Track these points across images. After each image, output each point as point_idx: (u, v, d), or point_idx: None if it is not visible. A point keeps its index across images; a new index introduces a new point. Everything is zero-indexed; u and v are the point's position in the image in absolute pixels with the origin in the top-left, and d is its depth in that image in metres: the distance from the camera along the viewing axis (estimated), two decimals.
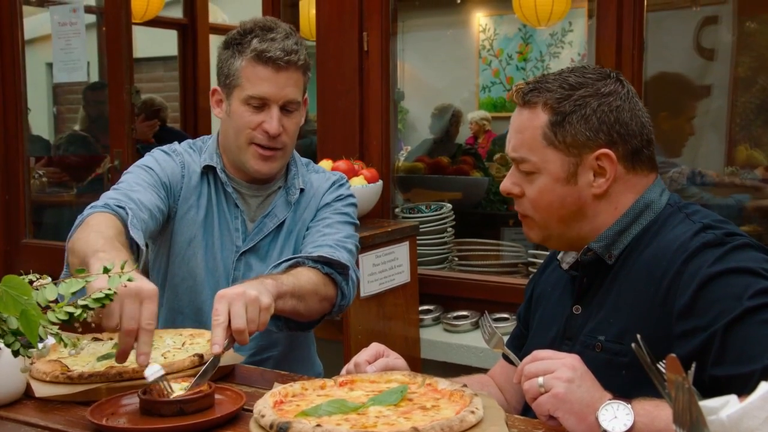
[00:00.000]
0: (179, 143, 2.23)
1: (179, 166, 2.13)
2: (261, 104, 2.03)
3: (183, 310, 2.15)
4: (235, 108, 2.06)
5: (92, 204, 1.92)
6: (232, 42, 2.07)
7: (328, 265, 2.01)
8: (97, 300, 1.50)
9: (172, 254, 2.14)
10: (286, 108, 2.06)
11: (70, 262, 1.80)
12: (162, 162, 2.12)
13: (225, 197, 2.15)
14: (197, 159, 2.17)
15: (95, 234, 1.73)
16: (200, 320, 2.11)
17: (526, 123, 1.61)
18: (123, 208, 1.88)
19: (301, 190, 2.18)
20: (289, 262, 1.99)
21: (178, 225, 2.13)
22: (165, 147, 2.20)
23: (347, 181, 2.30)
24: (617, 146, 1.58)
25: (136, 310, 1.50)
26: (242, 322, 1.63)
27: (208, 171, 2.15)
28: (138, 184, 2.03)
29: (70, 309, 1.43)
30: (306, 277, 1.94)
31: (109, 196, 1.96)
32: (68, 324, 1.45)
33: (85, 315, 1.43)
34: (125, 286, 1.43)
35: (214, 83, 2.17)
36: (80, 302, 1.48)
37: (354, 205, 2.25)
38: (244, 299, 1.65)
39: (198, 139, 2.27)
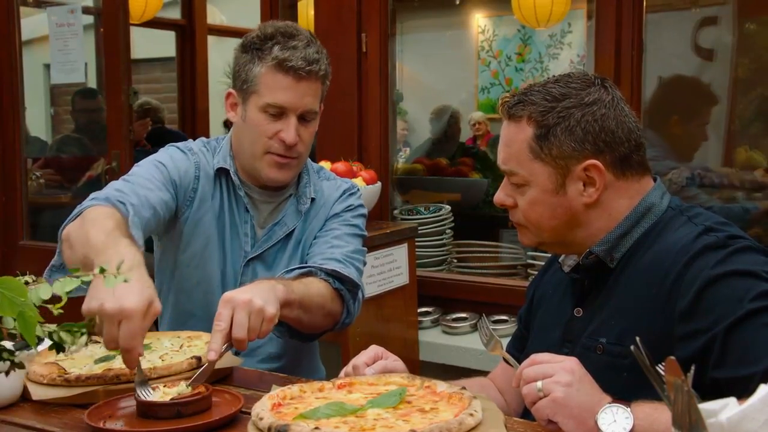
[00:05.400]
0: (194, 141, 2.19)
1: (193, 166, 2.09)
2: (279, 113, 2.01)
3: (195, 312, 2.11)
4: (251, 114, 2.03)
5: (94, 195, 1.87)
6: (251, 46, 2.03)
7: (339, 281, 1.99)
8: None
9: (185, 257, 2.10)
10: (303, 117, 2.03)
11: (65, 253, 1.77)
12: (176, 159, 2.08)
13: (236, 201, 2.11)
14: (211, 160, 2.13)
15: (96, 231, 1.67)
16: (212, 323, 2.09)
17: (513, 137, 1.62)
18: (124, 203, 1.83)
19: (312, 200, 2.15)
20: (302, 270, 1.96)
21: (194, 227, 2.08)
22: (181, 144, 2.15)
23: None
24: (604, 155, 1.57)
25: (114, 331, 1.46)
26: (243, 332, 1.61)
27: (221, 173, 2.12)
28: (147, 179, 1.98)
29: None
30: (316, 289, 1.92)
31: (114, 187, 1.91)
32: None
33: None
34: (103, 306, 1.43)
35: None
36: None
37: (363, 216, 2.22)
38: (249, 308, 1.63)
39: (213, 138, 2.23)
